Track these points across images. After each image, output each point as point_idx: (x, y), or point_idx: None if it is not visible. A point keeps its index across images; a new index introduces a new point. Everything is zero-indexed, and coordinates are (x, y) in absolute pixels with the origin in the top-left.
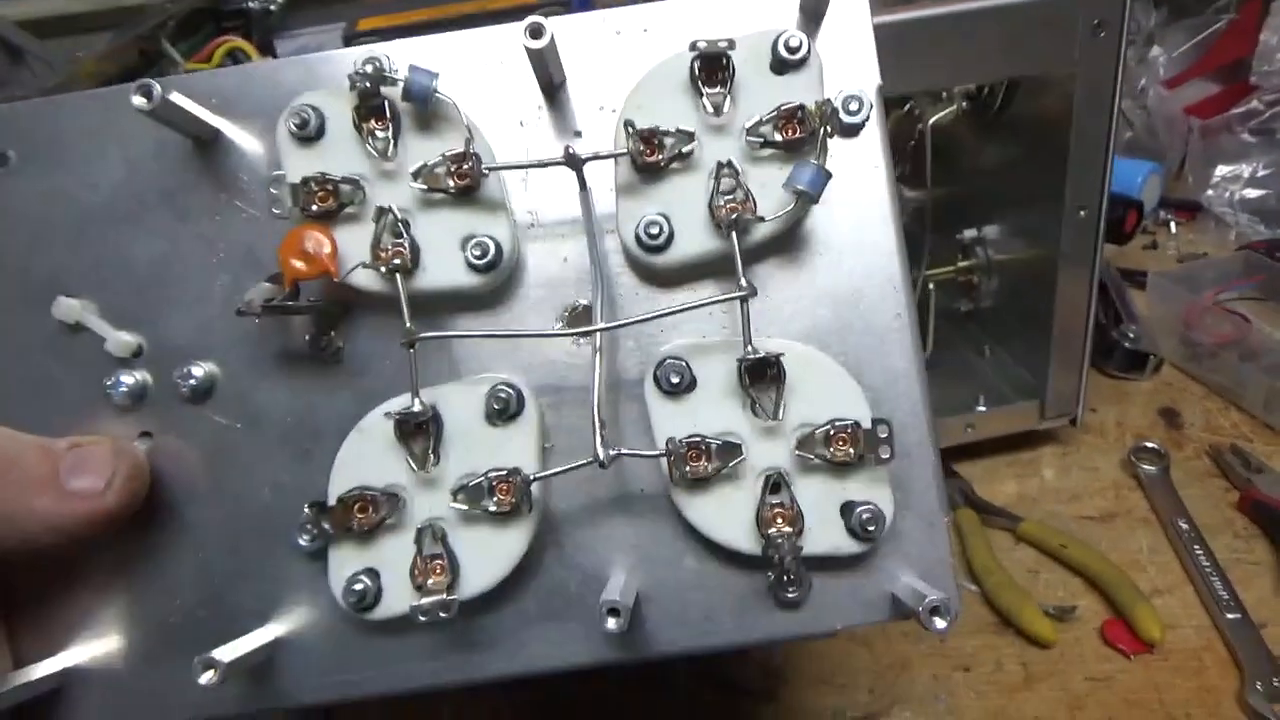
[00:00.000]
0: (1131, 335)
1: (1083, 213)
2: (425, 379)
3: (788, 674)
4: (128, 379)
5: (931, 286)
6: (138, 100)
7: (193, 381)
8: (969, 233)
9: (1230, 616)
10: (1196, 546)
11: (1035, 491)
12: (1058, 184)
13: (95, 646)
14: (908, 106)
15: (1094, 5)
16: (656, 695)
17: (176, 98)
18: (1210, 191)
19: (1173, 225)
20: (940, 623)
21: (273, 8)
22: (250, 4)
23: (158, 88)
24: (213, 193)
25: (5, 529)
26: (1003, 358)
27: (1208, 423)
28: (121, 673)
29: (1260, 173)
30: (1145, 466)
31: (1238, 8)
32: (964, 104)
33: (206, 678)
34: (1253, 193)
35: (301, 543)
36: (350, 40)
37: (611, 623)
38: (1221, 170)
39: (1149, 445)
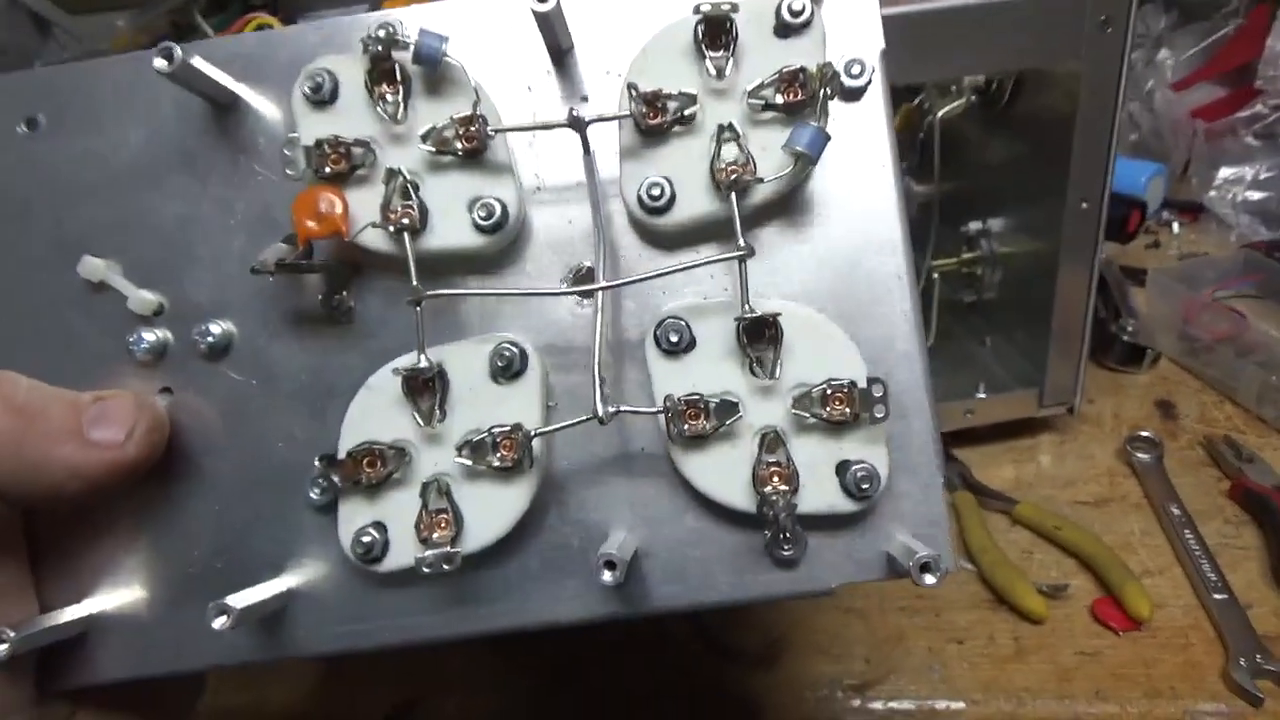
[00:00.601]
0: (1130, 329)
1: (1084, 205)
2: (433, 338)
3: (786, 643)
4: (149, 336)
5: (936, 277)
6: (159, 62)
7: (210, 339)
8: (974, 225)
9: (1218, 597)
10: (1187, 531)
11: (1032, 477)
12: (1061, 179)
13: (118, 594)
14: (918, 100)
15: (1102, 1)
16: (657, 661)
17: (196, 61)
18: (1213, 193)
19: (1175, 226)
20: (929, 578)
21: None
22: None
23: (178, 50)
24: (231, 155)
25: (32, 476)
26: (1004, 348)
27: (1202, 415)
28: (143, 619)
29: (1263, 175)
30: (1140, 455)
31: (1246, 13)
32: (973, 98)
33: (220, 623)
34: (1255, 195)
35: (313, 496)
36: None
37: (607, 575)
38: (1225, 172)
39: (1144, 434)
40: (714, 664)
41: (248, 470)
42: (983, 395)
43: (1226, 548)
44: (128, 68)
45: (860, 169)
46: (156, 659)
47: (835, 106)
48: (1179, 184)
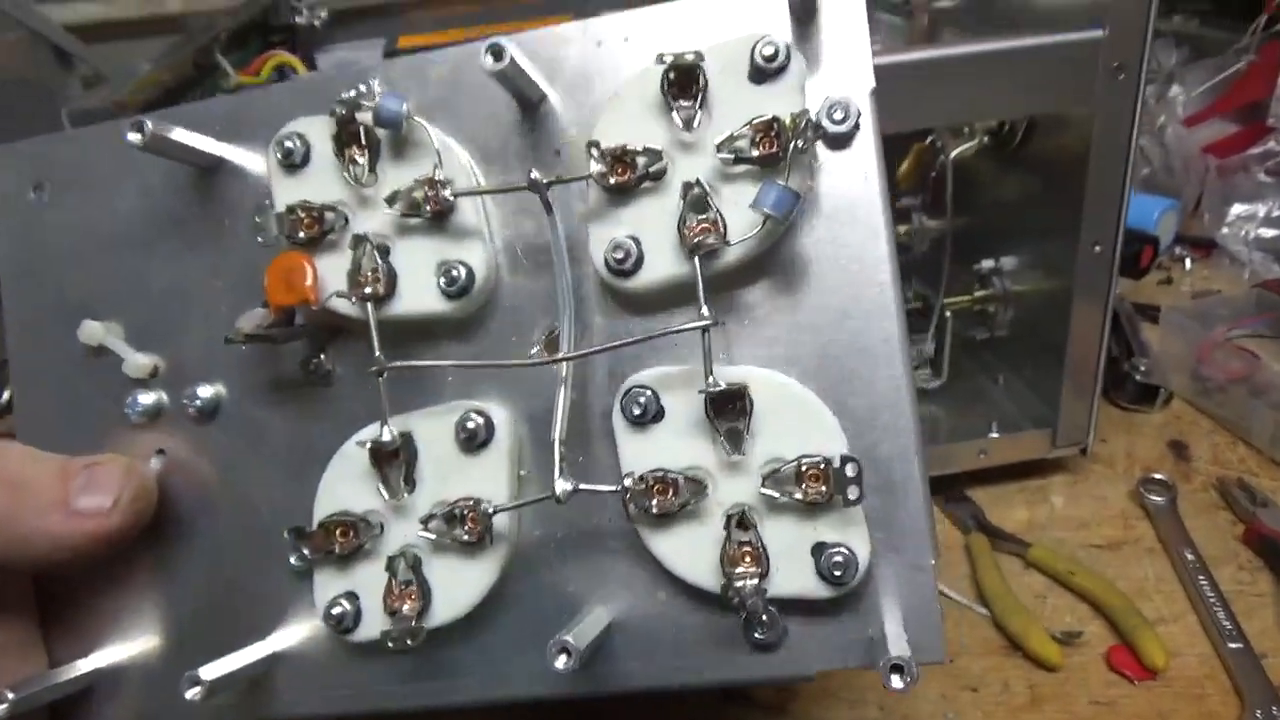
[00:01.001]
0: (1143, 368)
1: (1098, 249)
2: (407, 403)
3: (799, 689)
4: (144, 399)
5: (949, 315)
6: (131, 136)
7: (199, 402)
8: (987, 263)
9: (1233, 646)
10: (1201, 577)
11: (1045, 518)
12: (1074, 219)
13: (121, 650)
14: (930, 139)
15: (1115, 48)
16: (670, 707)
17: (171, 131)
18: (1225, 230)
19: (1188, 262)
20: (897, 682)
21: (317, 23)
22: (297, 19)
23: (149, 123)
24: (217, 218)
25: (19, 549)
26: (1017, 386)
27: (1215, 456)
28: (143, 675)
29: (1275, 213)
30: (1153, 497)
31: (1257, 49)
32: (985, 138)
33: (192, 694)
34: (1268, 232)
35: (292, 562)
36: (389, 56)
37: (560, 662)
38: (1237, 209)
39: (1157, 477)
40: (726, 710)
41: (237, 533)
42: (996, 434)
43: (1241, 594)
44: (116, 134)
45: (848, 224)
46: (159, 714)
47: (822, 153)
48: (1191, 220)
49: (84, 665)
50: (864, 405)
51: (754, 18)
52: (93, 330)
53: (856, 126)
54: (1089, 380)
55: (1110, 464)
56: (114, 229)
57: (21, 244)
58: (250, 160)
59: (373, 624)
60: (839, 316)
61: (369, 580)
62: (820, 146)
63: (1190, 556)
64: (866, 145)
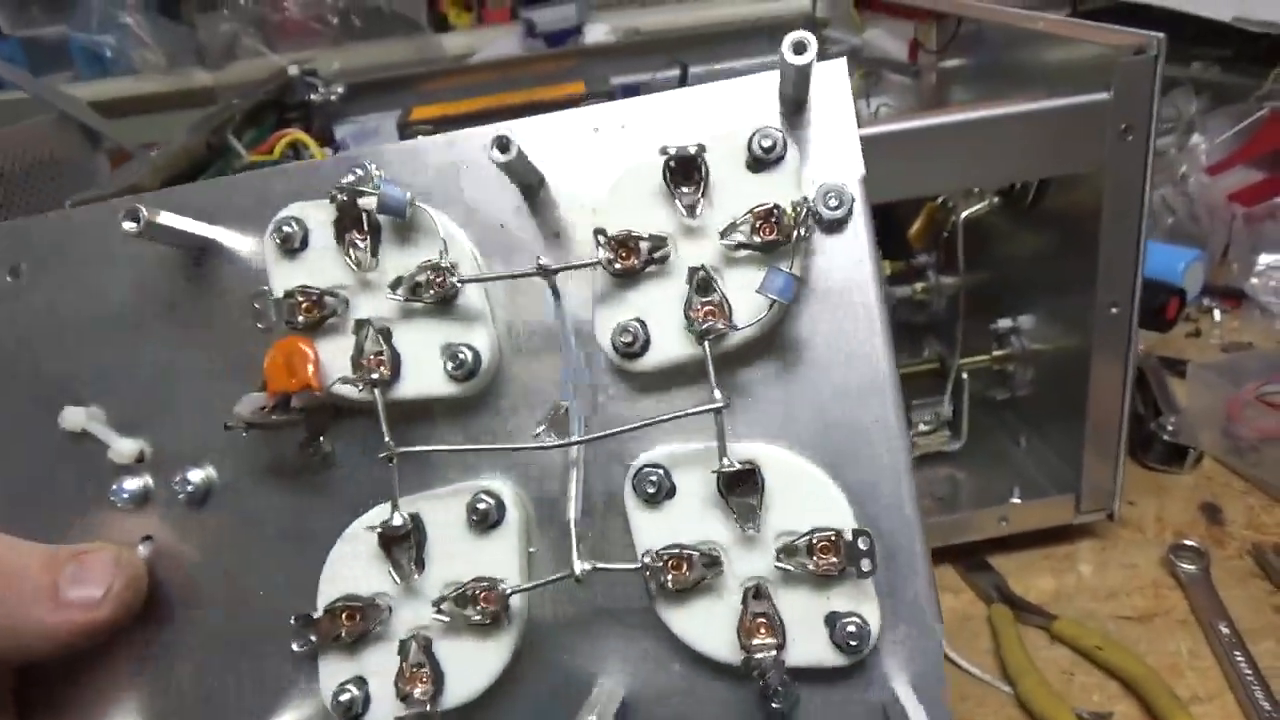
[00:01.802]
0: (1171, 428)
1: (1114, 310)
2: (411, 483)
3: None
4: (130, 485)
5: (965, 375)
6: (127, 225)
7: (190, 488)
8: (1004, 322)
9: None
10: (1237, 652)
11: (1072, 588)
12: (1090, 277)
13: None
14: (941, 199)
15: (1122, 109)
16: None
17: (165, 217)
18: (1255, 280)
19: (1216, 313)
20: None
21: (333, 98)
22: (311, 96)
23: (144, 211)
24: (210, 301)
25: (4, 639)
26: (1038, 448)
27: (1250, 520)
28: None
29: None
30: (1185, 565)
31: None
32: (995, 199)
33: None
34: None
35: (295, 648)
36: (404, 128)
37: None
38: (1266, 259)
39: (1189, 543)
40: None
41: (231, 619)
42: (1018, 500)
43: None
44: (105, 217)
45: (843, 307)
46: None
47: (817, 239)
48: (1219, 269)
49: None
50: (863, 480)
51: (745, 108)
52: (75, 416)
53: (850, 212)
54: (1112, 443)
55: (1140, 529)
56: (99, 311)
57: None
58: (243, 244)
59: (382, 709)
60: (836, 395)
61: (377, 664)
62: (815, 231)
63: (1225, 630)
64: (859, 230)
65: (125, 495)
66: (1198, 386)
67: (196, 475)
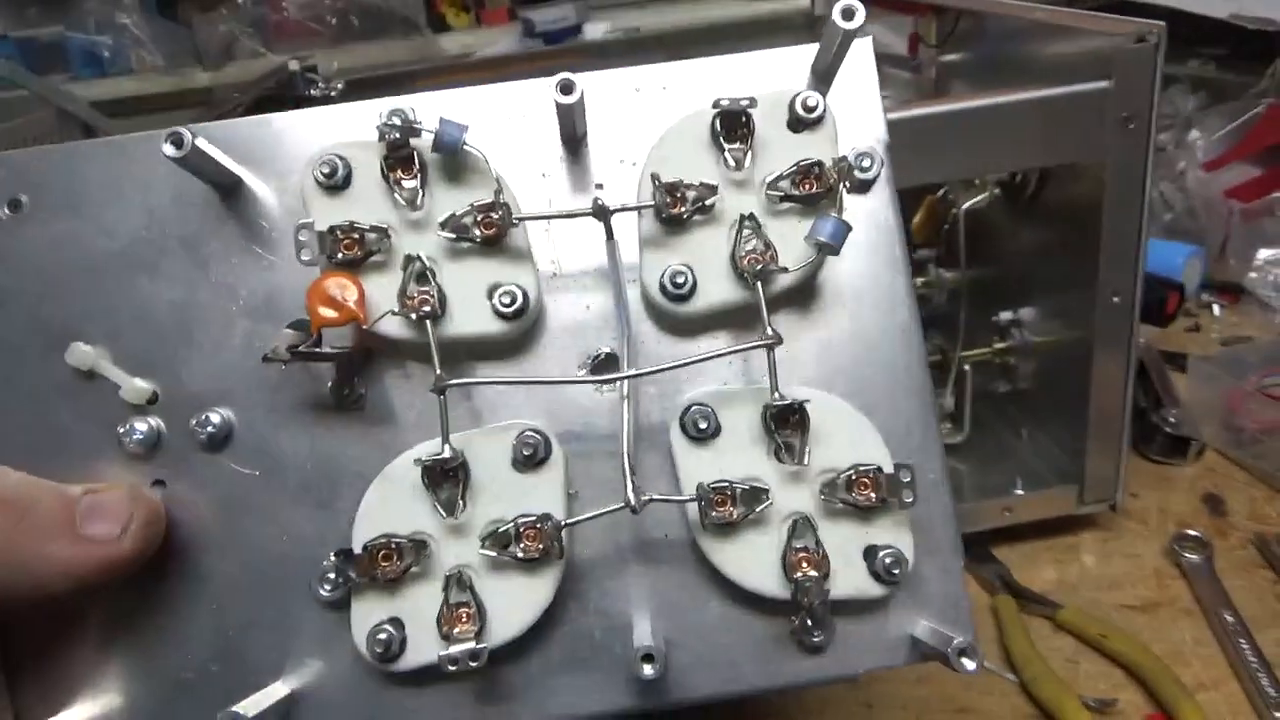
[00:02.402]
0: (1172, 420)
1: (1116, 299)
2: (450, 426)
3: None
4: (141, 426)
5: (968, 368)
6: (169, 149)
7: (210, 429)
8: (1005, 314)
9: (1278, 715)
10: (1242, 640)
11: (1075, 578)
12: (1092, 269)
13: (103, 702)
14: (941, 191)
15: (1123, 99)
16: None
17: (204, 145)
18: (1253, 275)
19: (1215, 308)
20: (969, 664)
21: (332, 94)
22: (311, 92)
23: (188, 135)
24: (232, 239)
25: (20, 576)
26: (1041, 440)
27: (1252, 511)
28: None
29: None
30: (1188, 555)
31: (1276, 92)
32: (996, 190)
33: None
34: None
35: (323, 592)
36: None
37: (648, 669)
38: (1264, 254)
39: (1192, 533)
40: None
41: (248, 567)
42: (1021, 491)
43: None
44: (117, 151)
45: (871, 258)
46: None
47: (848, 198)
48: (1217, 264)
49: None
50: (892, 420)
51: (779, 77)
52: (83, 354)
53: (878, 175)
54: (1115, 434)
55: (1142, 520)
56: (107, 247)
57: None
58: (273, 182)
59: (420, 650)
60: (866, 341)
61: (415, 605)
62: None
63: (1230, 618)
64: (884, 191)
65: (137, 436)
66: (1198, 379)
67: (217, 416)
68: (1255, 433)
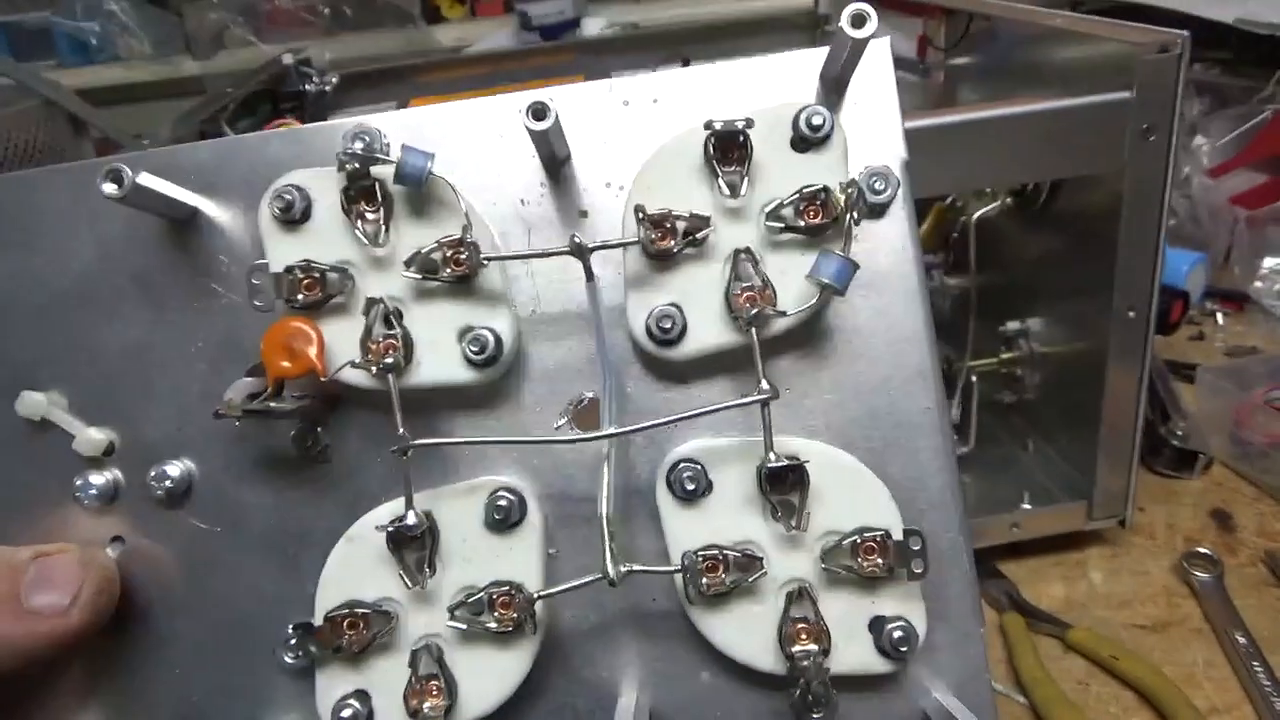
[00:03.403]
0: (1180, 433)
1: (1132, 313)
2: (420, 478)
3: None
4: (97, 479)
5: (974, 378)
6: (108, 188)
7: (168, 483)
8: (1013, 324)
9: None
10: (1255, 662)
11: (1084, 595)
12: (1104, 279)
13: None
14: (951, 199)
15: (1144, 109)
16: None
17: (149, 179)
18: (1258, 283)
19: (1219, 316)
20: None
21: (327, 89)
22: (306, 86)
23: (128, 172)
24: (190, 277)
25: None
26: (1048, 453)
27: (1261, 527)
28: None
29: None
30: (1198, 574)
31: None
32: (1008, 199)
33: None
34: None
35: (287, 660)
36: None
37: None
38: (1269, 262)
39: (1202, 551)
40: None
41: (212, 629)
42: (1028, 506)
43: None
44: (70, 180)
45: (886, 293)
46: None
47: (860, 221)
48: (1221, 272)
49: None
50: (907, 475)
51: (784, 86)
52: (33, 402)
53: (894, 196)
54: (1126, 448)
55: (1151, 535)
56: (58, 285)
57: None
58: (232, 215)
59: None
60: (879, 386)
61: (382, 677)
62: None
63: (1242, 639)
64: (901, 215)
65: (92, 491)
66: (1205, 391)
67: (175, 469)
68: (1263, 446)
